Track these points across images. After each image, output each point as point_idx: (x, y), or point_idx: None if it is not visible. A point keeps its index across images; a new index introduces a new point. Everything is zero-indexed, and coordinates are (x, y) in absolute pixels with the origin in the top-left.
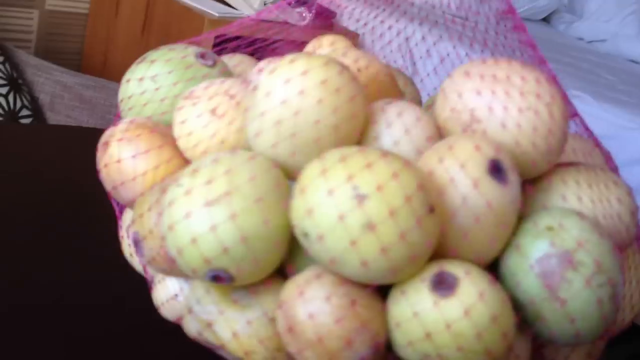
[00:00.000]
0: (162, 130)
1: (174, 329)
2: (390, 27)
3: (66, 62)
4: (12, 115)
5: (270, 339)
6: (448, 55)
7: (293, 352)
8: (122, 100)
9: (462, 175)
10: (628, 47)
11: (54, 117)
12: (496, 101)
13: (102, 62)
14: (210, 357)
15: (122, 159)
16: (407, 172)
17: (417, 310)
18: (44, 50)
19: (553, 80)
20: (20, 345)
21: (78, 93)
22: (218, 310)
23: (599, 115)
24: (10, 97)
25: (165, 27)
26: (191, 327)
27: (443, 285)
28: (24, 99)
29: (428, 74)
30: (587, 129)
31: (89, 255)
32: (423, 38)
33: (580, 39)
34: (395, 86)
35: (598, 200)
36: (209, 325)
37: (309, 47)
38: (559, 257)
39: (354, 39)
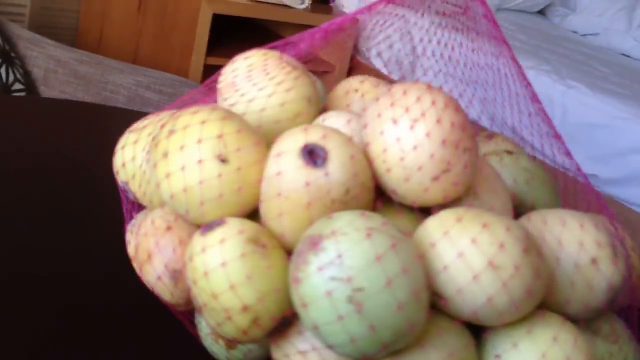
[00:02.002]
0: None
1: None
2: (390, 14)
3: (61, 38)
4: (5, 88)
5: None
6: (446, 43)
7: None
8: None
9: (275, 146)
10: (619, 41)
11: (48, 92)
12: (369, 106)
13: (97, 38)
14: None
15: None
16: (216, 122)
17: (189, 240)
18: (38, 24)
19: (445, 104)
20: (14, 315)
21: (72, 68)
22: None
23: (594, 105)
24: (2, 71)
25: (161, 4)
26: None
27: (208, 227)
28: (16, 73)
29: (428, 58)
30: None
31: (79, 228)
32: (422, 27)
33: (574, 31)
34: None
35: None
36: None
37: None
38: (310, 239)
39: (352, 23)
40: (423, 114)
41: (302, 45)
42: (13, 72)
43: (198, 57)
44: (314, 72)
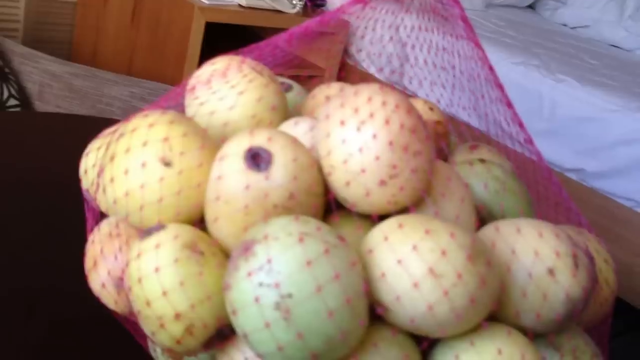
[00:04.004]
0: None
1: None
2: (381, 11)
3: (56, 52)
4: (0, 104)
5: None
6: (437, 43)
7: None
8: None
9: (221, 150)
10: (609, 33)
11: (43, 107)
12: (319, 108)
13: (92, 51)
14: None
15: None
16: (163, 126)
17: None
18: (32, 39)
19: (396, 105)
20: None
21: (67, 82)
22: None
23: (583, 99)
24: None
25: (154, 15)
26: None
27: (146, 232)
28: (11, 89)
29: (417, 58)
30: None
31: (68, 242)
32: (413, 27)
33: (564, 24)
34: None
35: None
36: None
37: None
38: (243, 244)
39: (344, 27)
40: (371, 115)
41: (280, 44)
42: (7, 88)
43: (191, 66)
44: (300, 77)
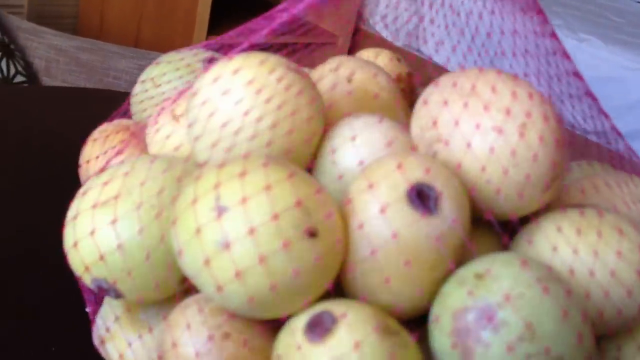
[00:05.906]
0: (134, 131)
1: None
2: None
3: (62, 27)
4: (7, 81)
5: None
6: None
7: None
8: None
9: (368, 197)
10: None
11: (50, 82)
12: (459, 116)
13: (98, 25)
14: None
15: (90, 159)
16: (285, 185)
17: (283, 352)
18: (38, 15)
19: (540, 95)
20: None
21: (74, 56)
22: (110, 328)
23: (607, 58)
24: (3, 63)
25: None
26: (95, 337)
27: (317, 327)
28: (17, 65)
29: (434, 33)
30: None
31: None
32: None
33: None
34: (395, 104)
35: (591, 252)
36: (102, 342)
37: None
38: (477, 312)
39: None
40: (528, 115)
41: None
42: (14, 64)
43: (199, 37)
44: (313, 45)
